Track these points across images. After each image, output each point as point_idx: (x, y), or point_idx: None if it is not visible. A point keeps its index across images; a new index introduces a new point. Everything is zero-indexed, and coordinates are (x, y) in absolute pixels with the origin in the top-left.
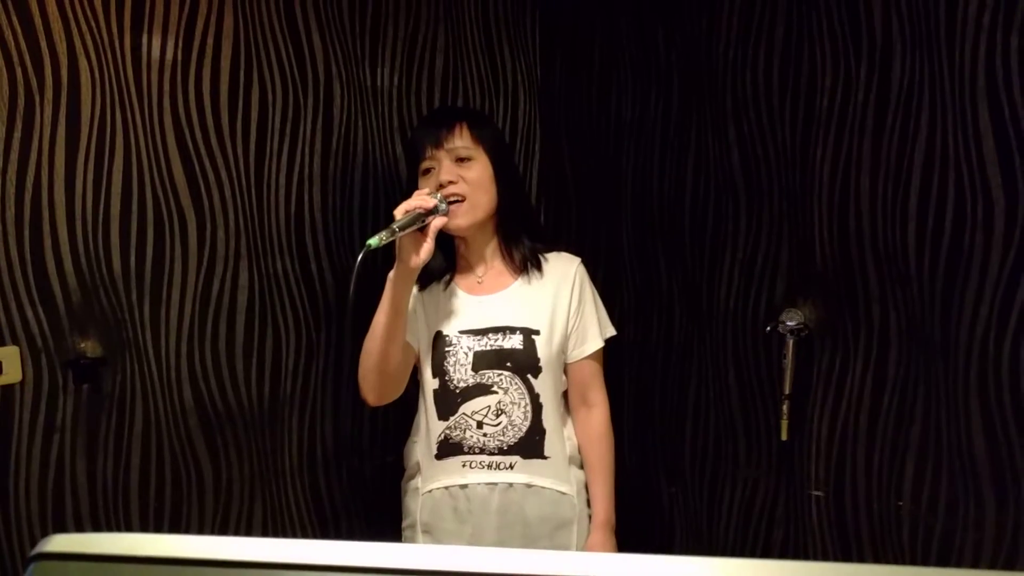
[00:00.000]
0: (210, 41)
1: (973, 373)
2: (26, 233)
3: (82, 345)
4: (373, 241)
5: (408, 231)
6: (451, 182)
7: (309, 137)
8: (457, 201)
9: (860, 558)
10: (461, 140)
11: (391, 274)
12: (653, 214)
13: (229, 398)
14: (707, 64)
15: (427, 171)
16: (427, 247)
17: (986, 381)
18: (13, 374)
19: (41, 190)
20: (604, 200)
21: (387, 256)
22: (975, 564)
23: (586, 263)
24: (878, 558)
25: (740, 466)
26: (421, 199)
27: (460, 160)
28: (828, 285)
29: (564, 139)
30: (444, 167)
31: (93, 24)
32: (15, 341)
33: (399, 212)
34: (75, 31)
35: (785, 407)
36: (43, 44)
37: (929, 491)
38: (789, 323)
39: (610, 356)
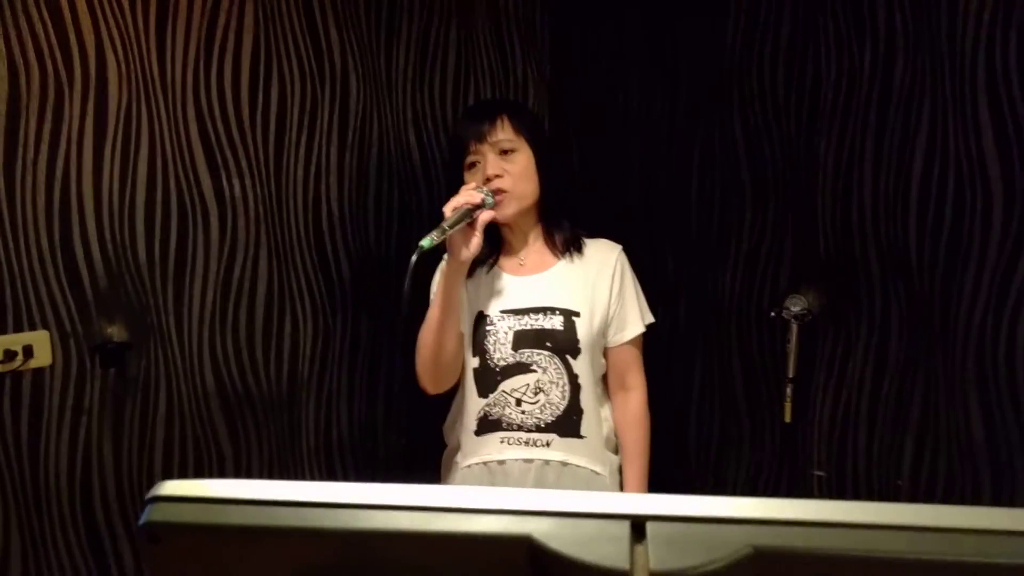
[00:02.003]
0: (231, 36)
1: (970, 358)
2: (56, 222)
3: (109, 330)
4: (425, 242)
5: (458, 228)
6: (497, 176)
7: (326, 129)
8: (503, 193)
9: None
10: (503, 133)
11: (443, 268)
12: (660, 205)
13: (249, 382)
14: (714, 59)
15: (472, 165)
16: (476, 240)
17: (983, 366)
18: (44, 358)
19: (70, 180)
20: (612, 192)
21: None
22: None
23: None
24: None
25: (744, 448)
26: (468, 195)
27: (504, 152)
28: (831, 273)
29: (572, 132)
30: (489, 161)
31: (120, 19)
32: (45, 326)
33: (448, 210)
34: (103, 26)
35: (789, 390)
36: (72, 39)
37: (928, 472)
38: (793, 309)
39: None
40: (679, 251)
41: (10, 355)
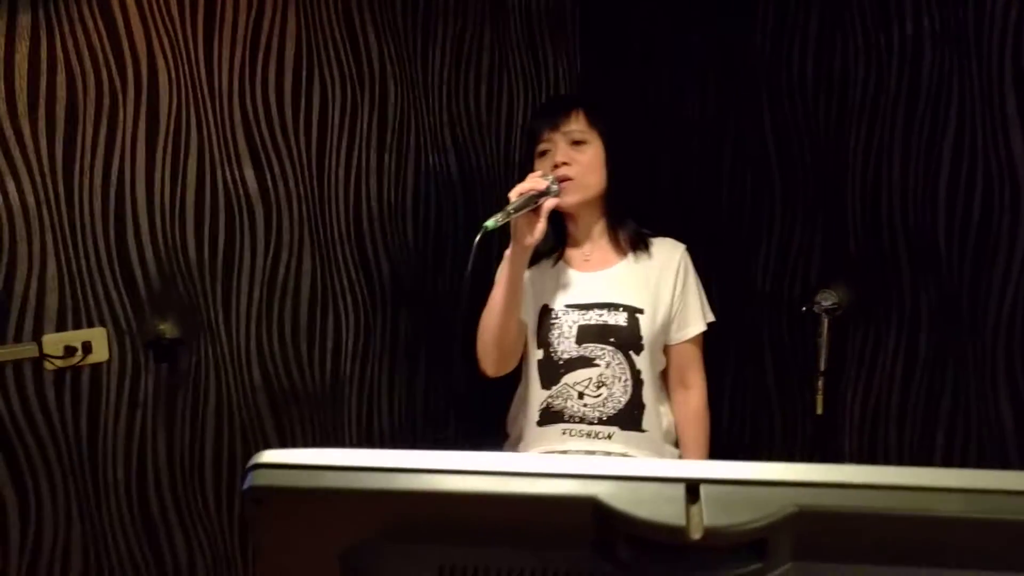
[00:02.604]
0: (275, 43)
1: (1000, 352)
2: (111, 224)
3: (161, 327)
4: (489, 223)
5: (522, 212)
6: (564, 163)
7: (366, 132)
8: (567, 180)
9: None
10: (577, 124)
11: (507, 253)
12: (691, 202)
13: (294, 377)
14: (743, 57)
15: (543, 153)
16: (540, 227)
17: (1012, 359)
18: (101, 353)
19: (124, 184)
20: (642, 188)
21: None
22: None
23: None
24: None
25: (776, 440)
26: (534, 181)
27: (575, 143)
28: (861, 267)
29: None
30: (559, 149)
31: (170, 28)
32: (102, 323)
33: (513, 195)
34: (154, 35)
35: (820, 383)
36: (125, 47)
37: (958, 465)
38: (824, 303)
39: None
40: (711, 247)
41: (70, 351)
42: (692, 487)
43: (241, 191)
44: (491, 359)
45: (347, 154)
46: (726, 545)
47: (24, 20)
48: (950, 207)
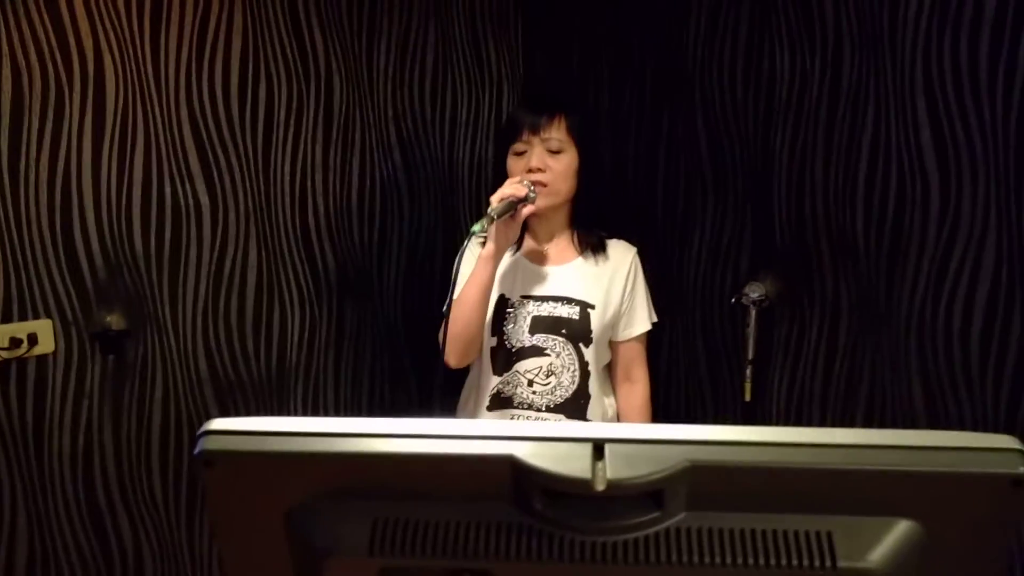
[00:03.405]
0: (221, 39)
1: (912, 338)
2: (57, 216)
3: (108, 319)
4: (476, 228)
5: (503, 217)
6: (539, 170)
7: (311, 128)
8: (540, 186)
9: None
10: (557, 132)
11: (483, 253)
12: (628, 197)
13: (240, 368)
14: (677, 58)
15: (519, 153)
16: (516, 229)
17: (923, 345)
18: (47, 345)
19: (70, 176)
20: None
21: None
22: None
23: None
24: None
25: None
26: (515, 188)
27: (552, 151)
28: (786, 260)
29: None
30: (536, 154)
31: (116, 23)
32: (48, 314)
33: (495, 199)
34: (100, 30)
35: (748, 371)
36: (72, 41)
37: None
38: (752, 295)
39: None
40: (647, 241)
41: (15, 342)
42: (598, 446)
43: (187, 184)
44: (456, 351)
45: (293, 149)
46: (627, 496)
47: None
48: (867, 203)
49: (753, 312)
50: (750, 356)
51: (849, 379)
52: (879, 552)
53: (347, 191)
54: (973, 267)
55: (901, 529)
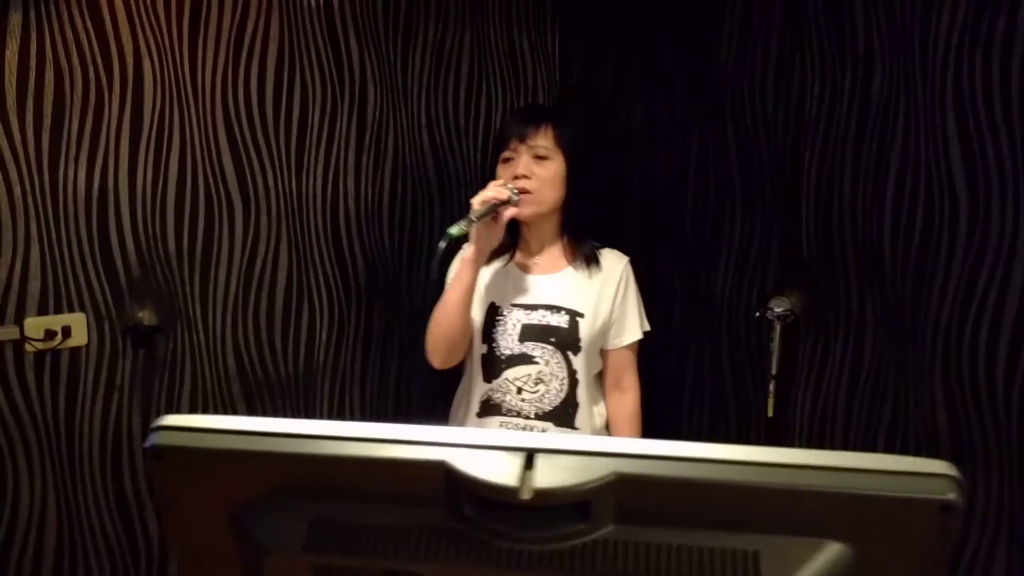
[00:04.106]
0: (258, 45)
1: (937, 357)
2: (94, 214)
3: (140, 314)
4: (454, 230)
5: (484, 220)
6: (525, 176)
7: (345, 132)
8: (524, 193)
9: None
10: (543, 140)
11: (464, 255)
12: (658, 208)
13: (268, 367)
14: (709, 70)
15: (507, 160)
16: (498, 233)
17: (948, 364)
18: (80, 337)
19: (107, 176)
20: (614, 195)
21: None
22: None
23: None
24: None
25: (731, 442)
26: (496, 190)
27: (538, 158)
28: (813, 275)
29: (580, 138)
30: (522, 161)
31: (156, 28)
32: (82, 308)
33: (476, 202)
34: (140, 35)
35: (771, 386)
36: (112, 46)
37: None
38: (776, 309)
39: None
40: (675, 253)
41: (50, 334)
42: (530, 455)
43: (221, 186)
44: (440, 353)
45: (326, 153)
46: (554, 505)
47: (15, 19)
48: (895, 219)
49: (777, 327)
50: (773, 371)
51: (873, 397)
52: (805, 573)
53: (379, 195)
54: (1001, 286)
55: (830, 551)
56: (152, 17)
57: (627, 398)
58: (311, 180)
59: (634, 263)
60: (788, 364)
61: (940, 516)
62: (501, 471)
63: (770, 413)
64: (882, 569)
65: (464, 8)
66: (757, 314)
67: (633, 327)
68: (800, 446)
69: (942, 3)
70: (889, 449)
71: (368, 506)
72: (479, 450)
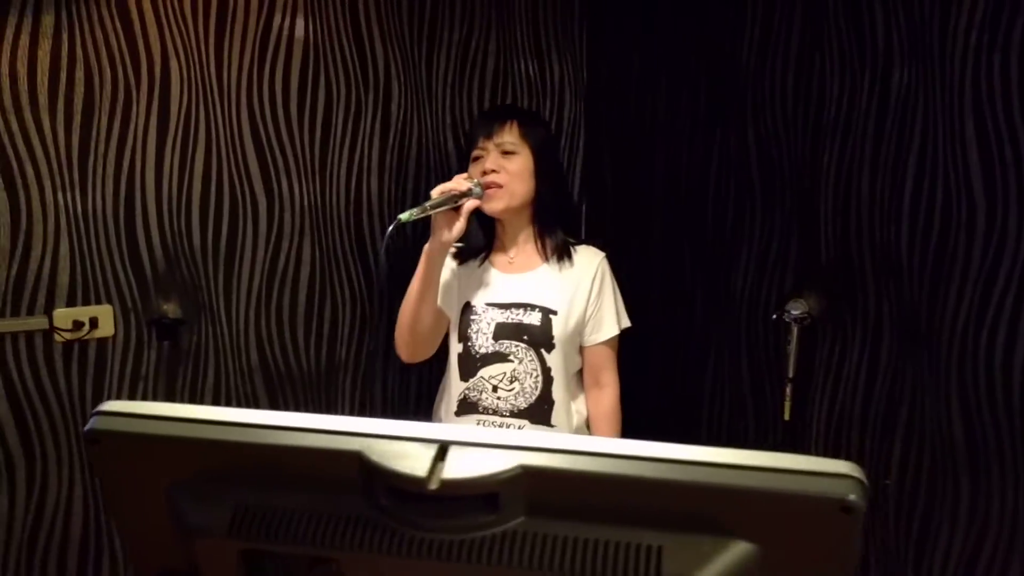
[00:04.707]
0: (283, 44)
1: (953, 363)
2: (121, 209)
3: (165, 307)
4: (404, 216)
5: (440, 210)
6: (493, 171)
7: (369, 131)
8: (495, 187)
9: None
10: (509, 135)
11: (425, 247)
12: (680, 208)
13: (290, 361)
14: (730, 71)
15: (476, 159)
16: (459, 225)
17: (964, 370)
18: (107, 329)
19: (135, 172)
20: (637, 195)
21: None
22: (950, 542)
23: (618, 252)
24: (867, 533)
25: (749, 444)
26: (456, 182)
27: (506, 153)
28: (830, 278)
29: (605, 138)
30: (490, 157)
31: (183, 29)
32: (109, 300)
33: (435, 192)
34: (167, 35)
35: (788, 389)
36: (140, 47)
37: (913, 471)
38: (793, 312)
39: (638, 340)
40: (696, 252)
41: (78, 325)
42: (443, 447)
43: (245, 183)
44: (405, 345)
45: (350, 152)
46: (461, 496)
47: (47, 20)
48: (912, 221)
49: (795, 329)
50: (790, 374)
51: (889, 401)
52: (709, 571)
53: (402, 194)
54: (1018, 290)
55: (737, 550)
56: (179, 18)
57: (605, 395)
58: (335, 178)
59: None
60: (805, 367)
61: (841, 516)
62: (413, 462)
63: (787, 416)
64: (788, 570)
65: (490, 8)
66: (774, 316)
67: (610, 323)
68: (817, 450)
69: (960, 3)
70: (905, 454)
71: (290, 493)
72: (395, 440)
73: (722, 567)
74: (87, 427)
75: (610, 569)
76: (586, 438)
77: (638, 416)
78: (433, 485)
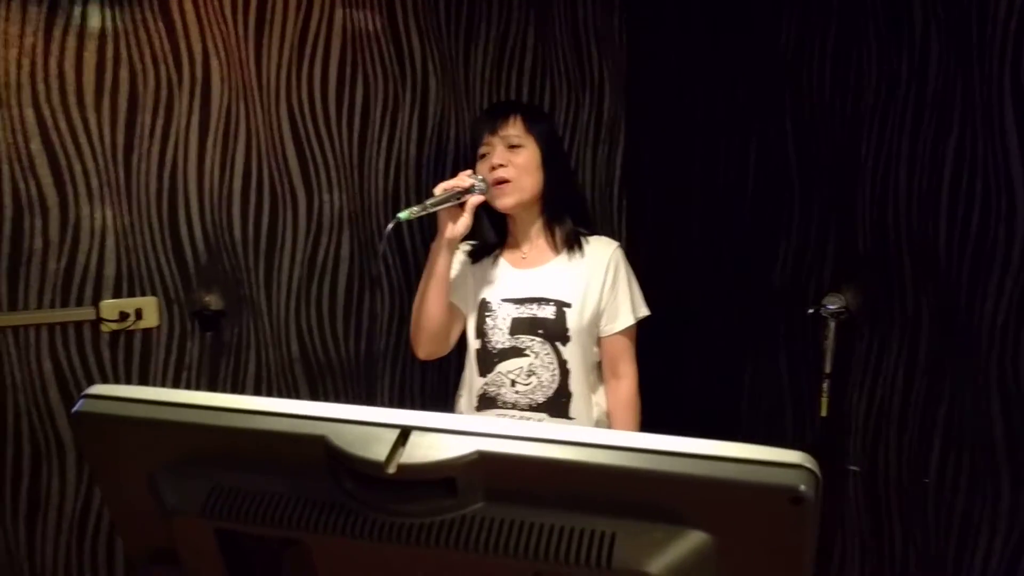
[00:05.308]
0: (321, 42)
1: (993, 360)
2: (165, 204)
3: (207, 299)
4: (403, 214)
5: (443, 207)
6: (501, 165)
7: (407, 126)
8: (504, 182)
9: (890, 531)
10: (514, 129)
11: (432, 244)
12: (719, 202)
13: (330, 352)
14: (768, 62)
15: (483, 156)
16: (464, 221)
17: (1004, 368)
18: (151, 320)
19: (177, 168)
20: (676, 188)
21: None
22: (990, 541)
23: (657, 246)
24: (906, 533)
25: (787, 441)
26: (459, 179)
27: (512, 147)
28: (868, 272)
29: (645, 131)
30: (496, 152)
31: (223, 27)
32: (154, 292)
33: (437, 190)
34: (208, 35)
35: (825, 385)
36: (182, 47)
37: (952, 469)
38: (830, 307)
39: (675, 335)
40: (735, 245)
41: (124, 316)
42: (405, 432)
43: (285, 178)
44: (418, 342)
45: (387, 147)
46: (418, 480)
47: (93, 22)
48: (951, 215)
49: (831, 324)
50: (827, 370)
51: (928, 398)
52: (661, 559)
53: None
54: None
55: (689, 539)
56: (219, 19)
57: (623, 385)
58: (373, 173)
59: (687, 243)
60: (843, 363)
61: (791, 507)
62: (373, 446)
63: (823, 412)
64: (741, 560)
65: (528, 3)
66: (811, 311)
67: (625, 313)
68: (855, 448)
69: None
70: (944, 454)
71: (261, 476)
72: (359, 425)
73: (675, 555)
74: (73, 410)
75: (563, 554)
76: (543, 425)
77: (675, 413)
78: (391, 469)
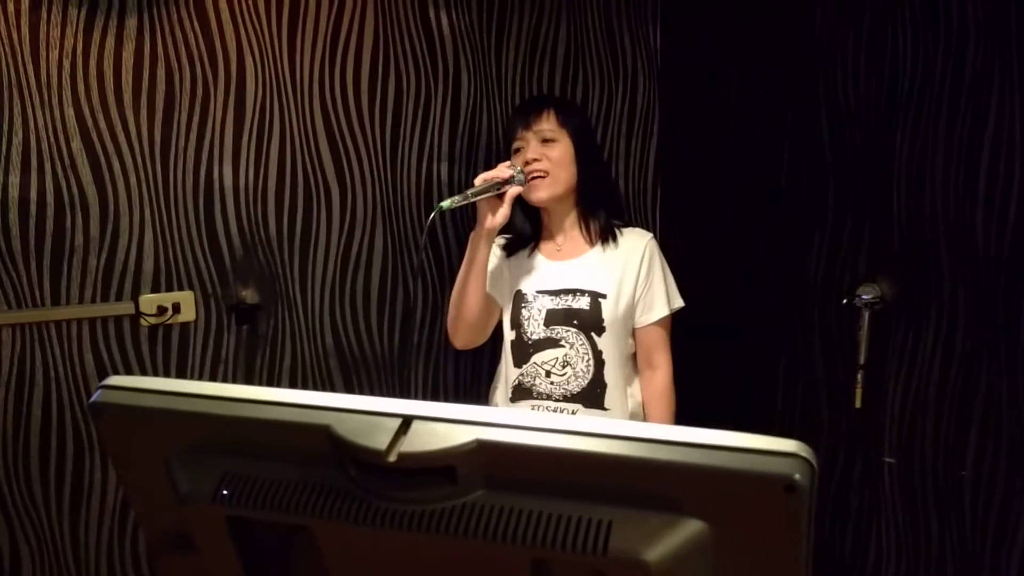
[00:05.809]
0: (353, 38)
1: None
2: (201, 199)
3: (243, 293)
4: (445, 204)
5: (482, 197)
6: (535, 159)
7: (439, 120)
8: (539, 176)
9: (926, 524)
10: (547, 124)
11: (472, 234)
12: (754, 191)
13: (364, 345)
14: (803, 50)
15: (517, 150)
16: (503, 212)
17: None
18: (189, 314)
19: (213, 164)
20: (711, 178)
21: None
22: None
23: (691, 237)
24: (943, 525)
25: (823, 434)
26: (498, 170)
27: (546, 141)
28: (904, 262)
29: (679, 121)
30: (531, 146)
31: (257, 26)
32: (191, 287)
33: (478, 180)
34: (243, 34)
35: (859, 376)
36: (217, 46)
37: (990, 463)
38: (864, 297)
39: (710, 326)
40: (770, 235)
41: (162, 310)
42: (407, 421)
43: (319, 174)
44: (456, 331)
45: (420, 140)
46: (417, 468)
47: (131, 23)
48: (988, 204)
49: (865, 314)
50: (861, 361)
51: (964, 392)
52: (658, 547)
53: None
54: None
55: (685, 527)
56: (253, 17)
57: (657, 376)
58: (405, 167)
59: (721, 234)
60: (878, 354)
61: (784, 495)
62: (375, 435)
63: (858, 404)
64: (736, 549)
65: None
66: (844, 301)
67: (660, 303)
68: (890, 440)
69: None
70: (981, 445)
71: (271, 464)
72: (362, 415)
73: (671, 543)
74: (91, 400)
75: (560, 541)
76: (542, 415)
77: (710, 404)
78: (392, 457)
